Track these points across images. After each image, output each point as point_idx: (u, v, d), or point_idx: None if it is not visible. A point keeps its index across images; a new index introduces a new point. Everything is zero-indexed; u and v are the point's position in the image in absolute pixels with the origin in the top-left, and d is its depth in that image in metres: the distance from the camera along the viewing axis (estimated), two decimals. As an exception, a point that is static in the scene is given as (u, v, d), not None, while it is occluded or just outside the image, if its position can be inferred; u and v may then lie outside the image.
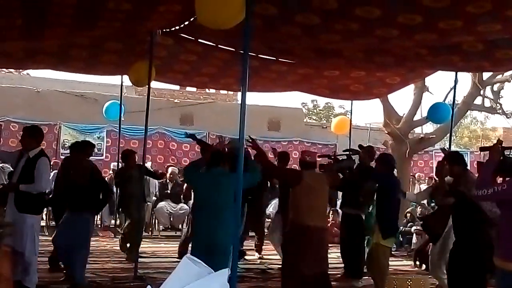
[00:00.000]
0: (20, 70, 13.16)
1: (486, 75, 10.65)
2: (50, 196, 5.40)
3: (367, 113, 29.69)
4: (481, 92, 11.36)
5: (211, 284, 1.11)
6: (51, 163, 5.90)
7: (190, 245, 4.74)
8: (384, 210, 4.45)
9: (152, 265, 5.74)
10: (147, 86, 5.30)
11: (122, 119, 7.35)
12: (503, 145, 2.67)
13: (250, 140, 4.33)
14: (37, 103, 11.57)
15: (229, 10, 3.08)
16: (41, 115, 11.25)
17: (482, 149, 3.42)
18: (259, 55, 5.35)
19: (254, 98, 31.35)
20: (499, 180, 2.72)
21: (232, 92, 14.87)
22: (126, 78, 7.00)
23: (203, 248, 3.56)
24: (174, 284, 1.13)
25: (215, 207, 3.68)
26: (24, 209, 4.04)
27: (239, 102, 14.61)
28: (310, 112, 23.63)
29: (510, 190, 2.50)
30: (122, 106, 7.48)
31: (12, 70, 12.84)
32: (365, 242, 5.45)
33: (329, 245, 4.49)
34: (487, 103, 12.37)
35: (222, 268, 1.09)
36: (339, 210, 7.94)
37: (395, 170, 5.03)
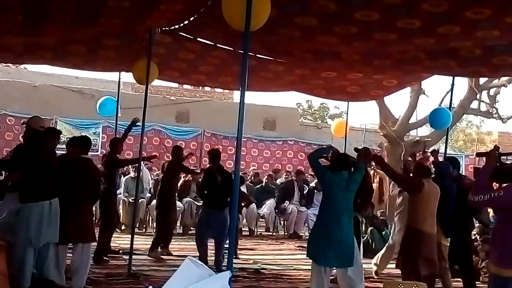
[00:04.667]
0: (17, 64, 13.10)
1: (482, 79, 10.74)
2: None
3: (362, 115, 29.84)
4: (477, 96, 11.45)
5: (212, 286, 1.12)
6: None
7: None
8: (443, 213, 4.51)
9: (146, 262, 5.74)
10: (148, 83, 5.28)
11: (119, 115, 7.30)
12: (499, 151, 2.69)
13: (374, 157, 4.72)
14: (34, 97, 11.52)
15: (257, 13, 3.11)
16: (37, 109, 11.14)
17: (479, 154, 3.45)
18: (257, 55, 5.36)
19: (250, 97, 31.31)
20: (495, 186, 2.74)
21: (228, 91, 14.87)
22: (123, 74, 6.98)
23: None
24: (176, 285, 1.13)
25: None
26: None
27: (235, 100, 14.51)
28: (305, 112, 23.69)
29: (507, 197, 2.53)
30: (114, 101, 7.39)
31: (9, 64, 12.76)
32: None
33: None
34: (483, 107, 12.46)
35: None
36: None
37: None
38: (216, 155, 5.84)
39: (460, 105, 10.52)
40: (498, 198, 2.53)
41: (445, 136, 6.61)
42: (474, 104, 11.63)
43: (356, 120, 28.20)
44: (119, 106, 7.07)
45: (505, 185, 2.62)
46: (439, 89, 30.83)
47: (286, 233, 8.73)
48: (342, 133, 8.09)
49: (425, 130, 14.59)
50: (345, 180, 3.92)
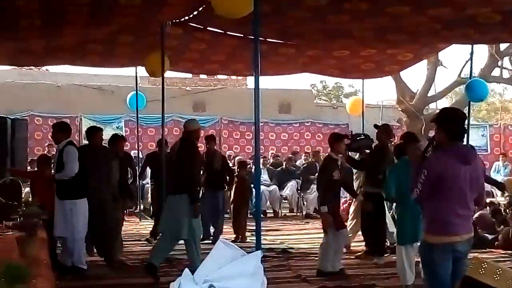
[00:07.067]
0: (40, 66, 13.46)
1: (503, 45, 10.38)
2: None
3: (378, 91, 29.36)
4: (499, 63, 11.07)
5: (246, 265, 1.18)
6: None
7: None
8: None
9: (178, 247, 5.88)
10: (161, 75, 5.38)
11: (142, 108, 7.52)
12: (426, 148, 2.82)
13: None
14: (58, 97, 11.85)
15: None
16: (62, 108, 11.51)
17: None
18: (268, 39, 5.35)
19: (264, 82, 31.11)
20: None
21: (241, 78, 14.84)
22: (140, 69, 7.11)
23: None
24: (211, 266, 1.20)
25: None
26: (63, 196, 4.34)
27: (249, 87, 14.36)
28: (320, 93, 23.45)
29: (429, 171, 2.59)
30: (143, 96, 7.66)
31: (32, 66, 13.11)
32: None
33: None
34: (506, 74, 12.04)
35: None
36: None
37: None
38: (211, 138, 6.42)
39: (481, 73, 10.22)
40: (427, 178, 2.58)
41: (467, 107, 6.45)
42: (496, 72, 11.27)
43: (372, 97, 27.71)
44: (138, 100, 7.23)
45: (422, 163, 2.67)
46: (457, 59, 29.80)
47: (305, 212, 8.68)
48: (358, 111, 8.01)
49: (445, 102, 14.29)
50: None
